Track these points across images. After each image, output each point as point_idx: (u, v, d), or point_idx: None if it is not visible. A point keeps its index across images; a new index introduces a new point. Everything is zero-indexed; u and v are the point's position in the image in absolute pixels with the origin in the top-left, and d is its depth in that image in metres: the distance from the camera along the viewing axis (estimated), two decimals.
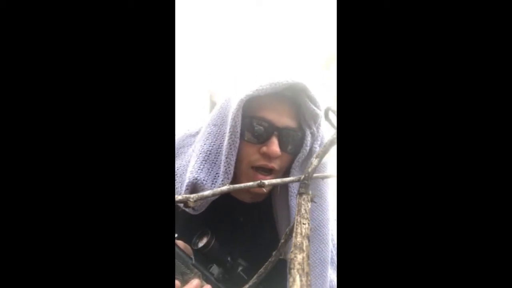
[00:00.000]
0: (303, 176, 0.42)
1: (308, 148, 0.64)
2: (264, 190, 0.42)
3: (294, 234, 0.31)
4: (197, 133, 0.71)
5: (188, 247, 0.60)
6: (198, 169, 0.61)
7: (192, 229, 0.62)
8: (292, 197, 0.64)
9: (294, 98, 0.62)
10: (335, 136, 0.40)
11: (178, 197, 0.35)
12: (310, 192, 0.40)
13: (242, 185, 0.42)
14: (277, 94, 0.59)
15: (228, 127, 0.59)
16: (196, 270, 0.57)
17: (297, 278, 0.25)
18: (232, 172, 0.60)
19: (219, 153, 0.62)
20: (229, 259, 0.62)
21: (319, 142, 0.66)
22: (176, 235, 0.61)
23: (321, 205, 0.67)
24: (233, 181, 0.62)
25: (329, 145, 0.42)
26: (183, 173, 0.65)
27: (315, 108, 0.62)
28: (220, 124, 0.64)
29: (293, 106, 0.63)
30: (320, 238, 0.66)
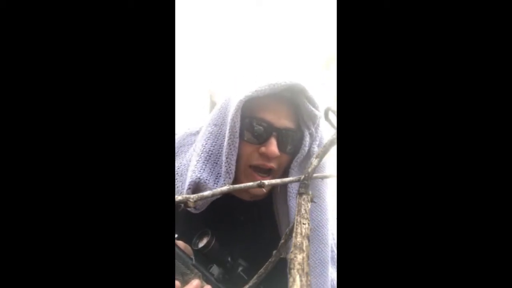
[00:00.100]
0: (303, 176, 0.42)
1: (306, 148, 0.64)
2: (264, 190, 0.42)
3: (294, 234, 0.31)
4: (198, 132, 0.72)
5: (188, 247, 0.60)
6: (201, 169, 0.61)
7: (192, 229, 0.62)
8: (291, 197, 0.64)
9: (292, 99, 0.62)
10: (335, 136, 0.40)
11: (178, 197, 0.35)
12: (310, 192, 0.40)
13: (242, 185, 0.42)
14: (276, 95, 0.60)
15: (228, 127, 0.60)
16: (196, 271, 0.57)
17: (297, 278, 0.25)
18: (233, 172, 0.61)
19: (220, 153, 0.62)
20: (229, 259, 0.62)
21: (317, 143, 0.66)
22: (176, 236, 0.61)
23: (320, 205, 0.68)
24: (235, 180, 0.62)
25: (329, 145, 0.42)
26: (184, 172, 0.65)
27: (313, 109, 0.62)
28: (221, 124, 0.64)
29: (292, 107, 0.63)
30: (320, 238, 0.66)
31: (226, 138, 0.60)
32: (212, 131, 0.64)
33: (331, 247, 0.70)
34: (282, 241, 0.46)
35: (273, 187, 0.69)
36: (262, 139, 0.61)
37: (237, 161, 0.61)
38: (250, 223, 0.71)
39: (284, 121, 0.62)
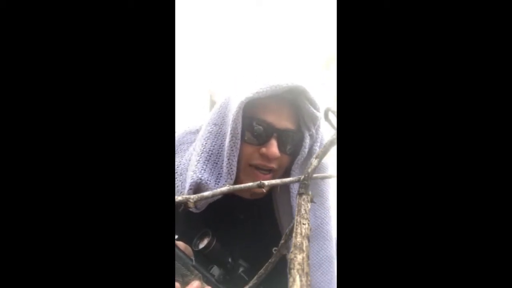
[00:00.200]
0: (302, 177, 0.42)
1: (306, 150, 0.65)
2: (264, 190, 0.42)
3: (294, 234, 0.31)
4: (198, 130, 0.72)
5: (189, 248, 0.60)
6: (202, 169, 0.61)
7: (192, 230, 0.62)
8: (294, 198, 0.64)
9: (293, 101, 0.62)
10: (335, 136, 0.40)
11: (178, 197, 0.35)
12: (310, 193, 0.40)
13: (242, 185, 0.42)
14: (277, 97, 0.60)
15: (229, 129, 0.60)
16: (196, 272, 0.57)
17: (297, 278, 0.25)
18: (234, 172, 0.61)
19: (221, 153, 0.62)
20: (230, 260, 0.62)
21: (318, 144, 0.67)
22: (176, 236, 0.61)
23: (323, 204, 0.68)
24: (236, 179, 0.62)
25: (329, 145, 0.42)
26: (184, 171, 0.65)
27: (314, 110, 0.62)
28: (221, 124, 0.64)
29: (293, 108, 0.63)
30: (323, 235, 0.67)
31: (228, 139, 0.60)
32: (212, 130, 0.64)
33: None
34: (282, 241, 0.46)
35: (273, 187, 0.69)
36: (262, 140, 0.62)
37: (238, 161, 0.62)
38: (250, 221, 0.71)
39: (284, 122, 0.62)
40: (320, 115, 0.64)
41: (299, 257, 0.27)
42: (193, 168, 0.62)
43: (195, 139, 0.70)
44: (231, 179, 0.61)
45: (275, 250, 0.48)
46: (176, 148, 0.72)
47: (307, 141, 0.64)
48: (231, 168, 0.60)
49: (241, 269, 0.62)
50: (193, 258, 0.58)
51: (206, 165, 0.62)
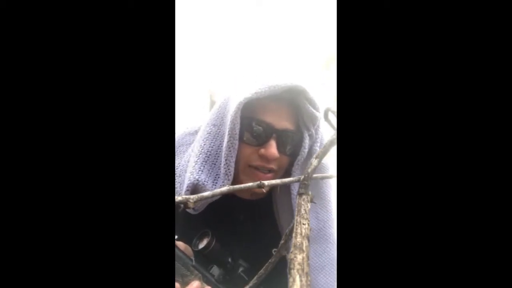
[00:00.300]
0: (303, 177, 0.42)
1: (306, 150, 0.64)
2: (264, 190, 0.42)
3: (294, 235, 0.31)
4: (196, 132, 0.71)
5: (189, 248, 0.60)
6: (199, 170, 0.61)
7: (192, 230, 0.62)
8: (294, 199, 0.64)
9: (293, 101, 0.62)
10: (335, 136, 0.40)
11: (178, 197, 0.35)
12: (310, 193, 0.40)
13: (242, 185, 0.42)
14: (276, 97, 0.60)
15: (227, 129, 0.60)
16: (196, 272, 0.57)
17: (297, 278, 0.25)
18: (232, 173, 0.60)
19: (219, 154, 0.62)
20: (229, 260, 0.62)
21: (318, 144, 0.67)
22: (176, 237, 0.61)
23: (325, 206, 0.68)
24: (234, 180, 0.62)
25: (329, 145, 0.42)
26: (182, 173, 0.65)
27: (314, 110, 0.62)
28: (220, 124, 0.64)
29: (292, 109, 0.63)
30: (326, 237, 0.67)
31: (226, 140, 0.60)
32: (211, 131, 0.64)
33: None
34: (282, 241, 0.46)
35: (273, 187, 0.69)
36: (261, 141, 0.61)
37: (237, 162, 0.61)
38: (250, 222, 0.71)
39: (284, 123, 0.62)
40: (320, 115, 0.63)
41: (299, 257, 0.27)
42: (190, 169, 0.62)
43: (194, 140, 0.70)
44: (229, 180, 0.60)
45: (274, 251, 0.48)
46: (175, 150, 0.72)
47: (307, 141, 0.64)
48: (229, 169, 0.60)
49: (241, 269, 0.62)
50: (193, 258, 0.58)
51: (204, 166, 0.61)
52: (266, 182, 0.41)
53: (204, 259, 0.60)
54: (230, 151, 0.60)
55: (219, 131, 0.64)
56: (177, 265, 0.56)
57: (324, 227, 0.67)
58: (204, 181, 0.60)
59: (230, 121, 0.59)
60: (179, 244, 0.59)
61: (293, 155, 0.65)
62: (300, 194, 0.39)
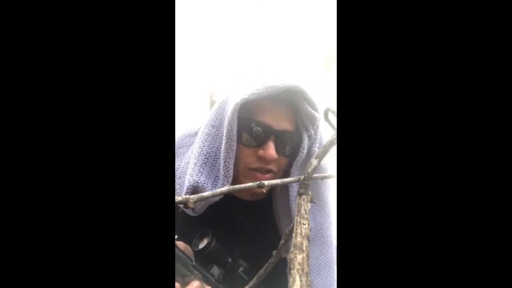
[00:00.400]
0: (302, 177, 0.42)
1: (305, 151, 0.64)
2: (264, 190, 0.42)
3: (294, 235, 0.31)
4: (196, 133, 0.71)
5: (189, 248, 0.60)
6: (198, 172, 0.60)
7: (192, 230, 0.62)
8: (293, 201, 0.64)
9: (291, 101, 0.62)
10: (335, 136, 0.40)
11: (178, 198, 0.35)
12: (310, 193, 0.40)
13: (242, 186, 0.42)
14: (274, 97, 0.59)
15: (225, 130, 0.59)
16: (196, 272, 0.57)
17: (297, 278, 0.25)
18: (231, 175, 0.60)
19: (218, 155, 0.62)
20: (229, 260, 0.62)
21: (317, 145, 0.66)
22: (176, 237, 0.61)
23: (323, 208, 0.68)
24: (234, 181, 0.62)
25: (329, 145, 0.42)
26: (182, 174, 0.65)
27: (312, 111, 0.61)
28: (218, 126, 0.64)
29: (291, 109, 0.63)
30: (323, 240, 0.67)
31: (224, 142, 0.60)
32: (210, 132, 0.64)
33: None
34: (282, 241, 0.46)
35: (273, 187, 0.69)
36: (260, 142, 0.61)
37: (236, 163, 0.61)
38: (250, 222, 0.71)
39: (282, 124, 0.61)
40: (319, 115, 0.63)
41: (299, 257, 0.27)
42: (190, 171, 0.61)
43: (193, 142, 0.70)
44: (228, 181, 0.60)
45: (274, 253, 0.48)
46: (175, 151, 0.72)
47: (306, 142, 0.64)
48: (228, 171, 0.60)
49: (241, 269, 0.62)
50: (193, 258, 0.58)
51: (203, 168, 0.61)
52: (266, 182, 0.41)
53: (204, 259, 0.60)
54: (228, 152, 0.59)
55: (218, 132, 0.63)
56: (177, 265, 0.56)
57: (322, 229, 0.67)
58: (204, 183, 0.60)
59: (227, 123, 0.58)
60: (179, 244, 0.59)
61: (292, 156, 0.65)
62: (300, 194, 0.39)
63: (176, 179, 0.66)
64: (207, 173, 0.61)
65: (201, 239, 0.61)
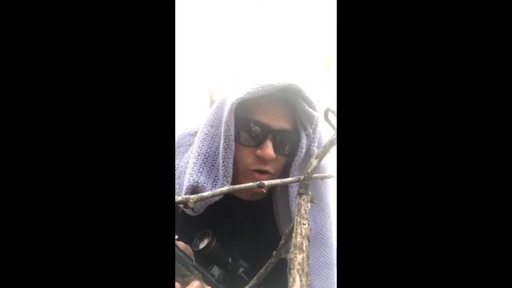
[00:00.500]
0: (302, 177, 0.42)
1: (304, 150, 0.64)
2: (264, 190, 0.42)
3: (294, 235, 0.31)
4: (196, 132, 0.71)
5: (189, 248, 0.60)
6: (198, 172, 0.60)
7: (192, 230, 0.62)
8: (292, 200, 0.64)
9: (288, 100, 0.61)
10: (335, 136, 0.40)
11: (178, 197, 0.35)
12: (310, 193, 0.40)
13: (242, 185, 0.42)
14: (271, 96, 0.59)
15: (222, 130, 0.59)
16: (196, 272, 0.57)
17: (297, 278, 0.25)
18: (230, 175, 0.60)
19: (217, 155, 0.62)
20: (230, 260, 0.62)
21: (316, 144, 0.66)
22: (176, 237, 0.61)
23: (323, 209, 0.68)
24: (232, 181, 0.62)
25: (329, 145, 0.42)
26: (182, 174, 0.65)
27: (310, 109, 0.61)
28: (217, 125, 0.64)
29: (288, 108, 0.62)
30: (323, 241, 0.67)
31: (222, 141, 0.59)
32: (208, 132, 0.64)
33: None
34: (282, 241, 0.46)
35: (273, 188, 0.69)
36: (257, 142, 0.61)
37: (235, 163, 0.61)
38: (250, 222, 0.71)
39: (280, 123, 0.61)
40: (317, 114, 0.63)
41: (299, 257, 0.27)
42: (189, 171, 0.61)
43: (193, 141, 0.70)
44: (228, 181, 0.60)
45: (274, 253, 0.48)
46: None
47: (304, 141, 0.63)
48: (227, 171, 0.60)
49: (241, 270, 0.62)
50: (193, 258, 0.58)
51: (203, 168, 0.61)
52: (266, 182, 0.41)
53: (204, 259, 0.60)
54: (226, 152, 0.59)
55: (217, 132, 0.63)
56: (178, 265, 0.56)
57: (322, 230, 0.67)
58: (204, 183, 0.60)
59: (224, 122, 0.58)
60: (180, 244, 0.59)
61: (291, 155, 0.64)
62: (300, 194, 0.39)
63: (175, 179, 0.66)
64: (206, 173, 0.61)
65: (201, 239, 0.61)
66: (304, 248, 0.28)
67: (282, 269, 0.52)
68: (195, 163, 0.62)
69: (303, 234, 0.31)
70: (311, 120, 0.63)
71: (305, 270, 0.26)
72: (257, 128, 0.60)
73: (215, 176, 0.61)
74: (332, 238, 0.68)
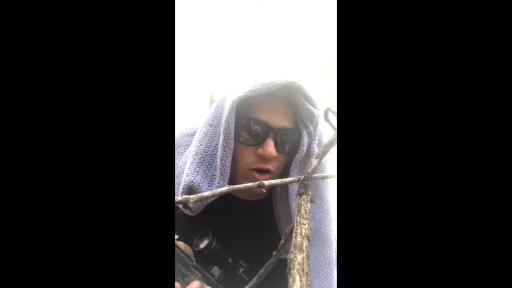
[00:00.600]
0: (302, 177, 0.42)
1: (305, 148, 0.63)
2: (264, 190, 0.42)
3: (294, 234, 0.31)
4: (195, 132, 0.71)
5: (189, 248, 0.60)
6: (194, 171, 0.60)
7: (192, 230, 0.62)
8: (292, 200, 0.64)
9: (289, 98, 0.61)
10: (335, 136, 0.40)
11: (178, 198, 0.35)
12: (310, 193, 0.40)
13: (241, 185, 0.42)
14: (272, 94, 0.59)
15: (222, 129, 0.59)
16: (196, 272, 0.57)
17: (297, 278, 0.25)
18: (228, 174, 0.60)
19: (215, 154, 0.62)
20: (230, 260, 0.62)
21: (316, 142, 0.66)
22: (176, 237, 0.61)
23: (323, 207, 0.68)
24: (231, 181, 0.62)
25: (329, 145, 0.42)
26: (180, 174, 0.65)
27: (311, 107, 0.61)
28: (216, 125, 0.63)
29: (289, 106, 0.62)
30: (323, 239, 0.66)
31: (221, 140, 0.59)
32: (207, 131, 0.63)
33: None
34: (282, 241, 0.46)
35: (273, 188, 0.69)
36: (258, 140, 0.60)
37: (234, 163, 0.61)
38: (249, 222, 0.71)
39: (280, 121, 0.61)
40: (317, 111, 0.63)
41: (299, 257, 0.27)
42: (186, 170, 0.61)
43: (192, 141, 0.70)
44: (225, 180, 0.59)
45: (275, 253, 0.48)
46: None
47: (305, 139, 0.63)
48: (225, 170, 0.59)
49: (241, 270, 0.62)
50: (194, 258, 0.58)
51: (200, 167, 0.61)
52: (266, 182, 0.41)
53: (204, 260, 0.60)
54: (225, 151, 0.59)
55: (216, 131, 0.63)
56: (178, 265, 0.56)
57: (321, 229, 0.67)
58: (200, 182, 0.59)
59: (224, 121, 0.58)
60: (180, 244, 0.59)
61: (292, 154, 0.64)
62: (300, 194, 0.39)
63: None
64: (203, 172, 0.61)
65: (201, 239, 0.61)
66: (304, 248, 0.28)
67: (282, 269, 0.52)
68: (192, 162, 0.61)
69: (303, 234, 0.30)
70: (311, 118, 0.62)
71: (305, 270, 0.25)
72: (258, 127, 0.60)
73: (212, 175, 0.61)
74: (332, 236, 0.68)
